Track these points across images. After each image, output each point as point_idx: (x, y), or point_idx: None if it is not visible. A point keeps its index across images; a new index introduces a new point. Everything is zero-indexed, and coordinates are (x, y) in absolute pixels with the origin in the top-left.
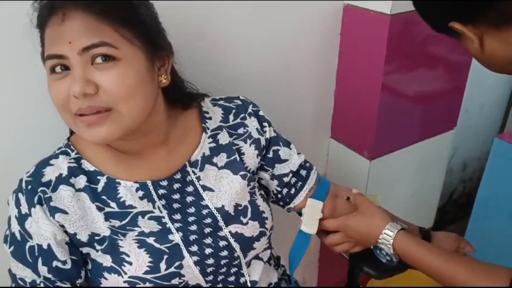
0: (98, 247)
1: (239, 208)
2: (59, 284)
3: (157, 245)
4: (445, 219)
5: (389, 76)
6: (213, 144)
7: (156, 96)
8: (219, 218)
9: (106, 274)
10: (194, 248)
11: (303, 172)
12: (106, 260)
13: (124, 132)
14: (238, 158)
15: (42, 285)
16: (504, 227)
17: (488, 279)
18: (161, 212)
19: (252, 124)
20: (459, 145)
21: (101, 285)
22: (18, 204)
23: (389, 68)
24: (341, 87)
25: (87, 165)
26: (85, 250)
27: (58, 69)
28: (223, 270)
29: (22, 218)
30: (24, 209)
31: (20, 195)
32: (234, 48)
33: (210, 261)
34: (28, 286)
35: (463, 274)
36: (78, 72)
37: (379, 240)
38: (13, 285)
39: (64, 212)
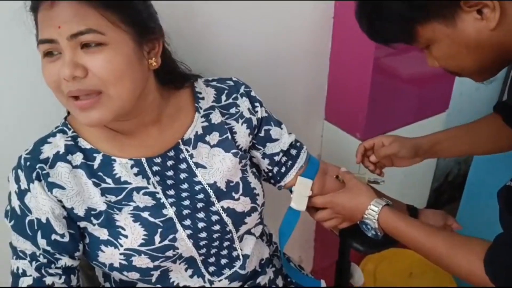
0: (94, 221)
1: (231, 184)
2: (57, 256)
3: (151, 219)
4: (441, 199)
5: (380, 58)
6: (205, 123)
7: (145, 78)
8: (211, 193)
9: (103, 247)
10: (187, 222)
11: (293, 151)
12: (102, 234)
13: (116, 114)
14: (230, 137)
15: (41, 257)
16: (493, 206)
17: (464, 250)
18: (155, 187)
19: (244, 104)
20: None
21: (98, 258)
22: (17, 180)
23: (381, 50)
24: (335, 70)
25: (84, 143)
26: (82, 224)
27: (50, 53)
28: (216, 243)
29: (21, 194)
30: (24, 184)
31: (19, 171)
32: (227, 30)
33: (203, 234)
34: (28, 258)
35: (442, 246)
36: (68, 56)
37: (365, 216)
38: (14, 257)
39: (62, 187)
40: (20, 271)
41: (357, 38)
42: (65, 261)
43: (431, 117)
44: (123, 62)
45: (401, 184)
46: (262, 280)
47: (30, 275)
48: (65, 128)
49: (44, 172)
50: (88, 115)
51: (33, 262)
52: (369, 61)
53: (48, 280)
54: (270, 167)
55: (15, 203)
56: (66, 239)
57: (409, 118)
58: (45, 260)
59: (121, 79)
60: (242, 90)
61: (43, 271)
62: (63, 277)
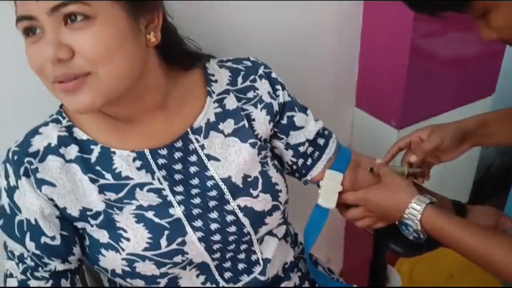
0: (92, 221)
1: (249, 179)
2: (46, 260)
3: (156, 220)
4: (482, 194)
5: (419, 37)
6: (219, 110)
7: (143, 56)
8: (225, 190)
9: (103, 251)
10: (198, 223)
11: (321, 141)
12: (102, 236)
13: (107, 97)
14: (247, 125)
15: (29, 259)
16: None
17: None
18: (161, 183)
19: (263, 87)
20: None
21: (100, 262)
22: (7, 175)
23: (419, 28)
24: (366, 51)
25: (79, 134)
26: (79, 225)
27: (31, 32)
28: (232, 247)
29: (10, 190)
30: (12, 181)
31: (8, 165)
32: (247, 8)
33: (217, 237)
34: (16, 260)
35: (501, 253)
36: (50, 34)
37: (405, 215)
38: (6, 258)
39: (52, 184)
40: (8, 272)
41: (391, 15)
42: (55, 265)
43: (475, 102)
44: (114, 38)
45: (441, 176)
46: (286, 286)
47: (16, 277)
48: (60, 117)
49: (32, 167)
50: (75, 99)
51: (20, 264)
52: (406, 40)
53: (33, 284)
54: (294, 159)
55: (5, 200)
56: (57, 241)
57: (450, 103)
58: (32, 263)
59: (113, 58)
60: (261, 71)
61: (28, 274)
62: (50, 281)
